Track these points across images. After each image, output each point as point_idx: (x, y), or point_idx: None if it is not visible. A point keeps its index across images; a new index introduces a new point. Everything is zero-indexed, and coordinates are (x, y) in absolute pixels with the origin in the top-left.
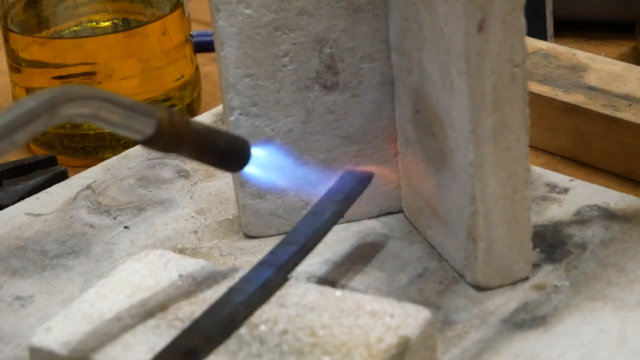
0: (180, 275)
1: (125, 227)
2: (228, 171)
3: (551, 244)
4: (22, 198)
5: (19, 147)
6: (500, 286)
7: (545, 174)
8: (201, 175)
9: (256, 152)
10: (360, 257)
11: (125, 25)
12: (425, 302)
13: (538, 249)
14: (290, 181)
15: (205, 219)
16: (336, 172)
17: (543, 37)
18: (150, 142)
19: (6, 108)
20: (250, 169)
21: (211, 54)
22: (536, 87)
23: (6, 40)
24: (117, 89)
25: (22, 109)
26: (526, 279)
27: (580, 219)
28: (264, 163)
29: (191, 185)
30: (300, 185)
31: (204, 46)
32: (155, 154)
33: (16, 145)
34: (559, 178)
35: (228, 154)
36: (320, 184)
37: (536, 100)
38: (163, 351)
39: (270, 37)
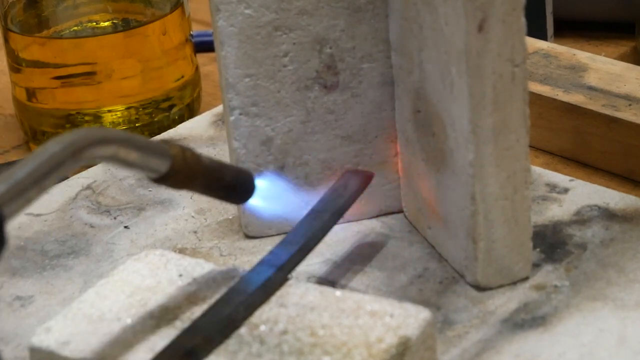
0: (180, 275)
1: (125, 227)
2: (233, 203)
3: (551, 244)
4: None
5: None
6: (500, 286)
7: (545, 174)
8: None
9: (260, 183)
10: (360, 257)
11: (125, 25)
12: (425, 302)
13: (538, 249)
14: (293, 211)
15: (205, 219)
16: (336, 172)
17: (543, 37)
18: (162, 180)
19: (31, 154)
20: (254, 201)
21: (211, 54)
22: (536, 87)
23: (6, 40)
24: (117, 89)
25: (46, 155)
26: (526, 279)
27: (580, 219)
28: (267, 194)
29: None
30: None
31: (204, 46)
32: None
33: (44, 191)
34: (559, 178)
35: (235, 187)
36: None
37: (536, 100)
38: (163, 351)
39: (270, 37)
